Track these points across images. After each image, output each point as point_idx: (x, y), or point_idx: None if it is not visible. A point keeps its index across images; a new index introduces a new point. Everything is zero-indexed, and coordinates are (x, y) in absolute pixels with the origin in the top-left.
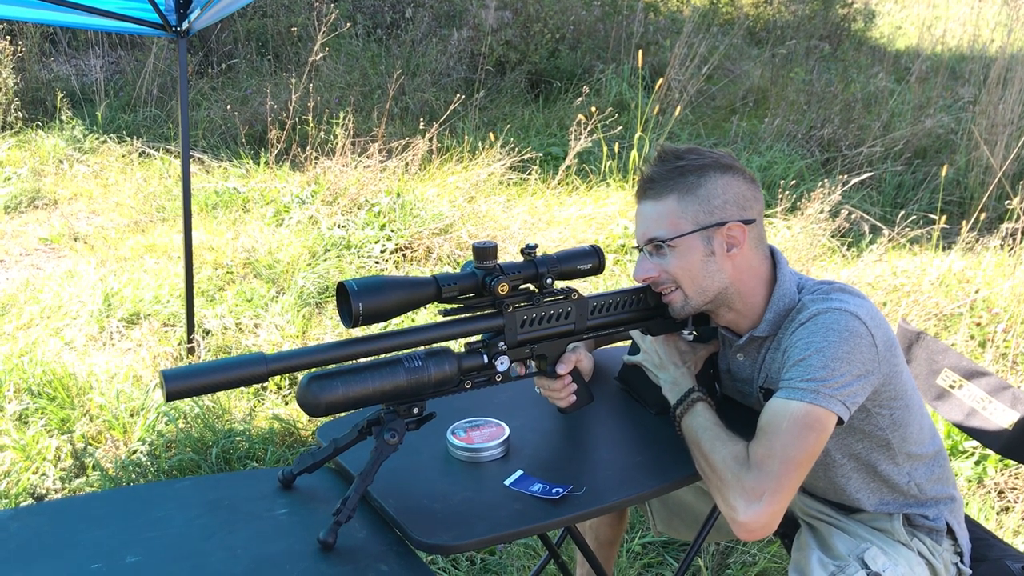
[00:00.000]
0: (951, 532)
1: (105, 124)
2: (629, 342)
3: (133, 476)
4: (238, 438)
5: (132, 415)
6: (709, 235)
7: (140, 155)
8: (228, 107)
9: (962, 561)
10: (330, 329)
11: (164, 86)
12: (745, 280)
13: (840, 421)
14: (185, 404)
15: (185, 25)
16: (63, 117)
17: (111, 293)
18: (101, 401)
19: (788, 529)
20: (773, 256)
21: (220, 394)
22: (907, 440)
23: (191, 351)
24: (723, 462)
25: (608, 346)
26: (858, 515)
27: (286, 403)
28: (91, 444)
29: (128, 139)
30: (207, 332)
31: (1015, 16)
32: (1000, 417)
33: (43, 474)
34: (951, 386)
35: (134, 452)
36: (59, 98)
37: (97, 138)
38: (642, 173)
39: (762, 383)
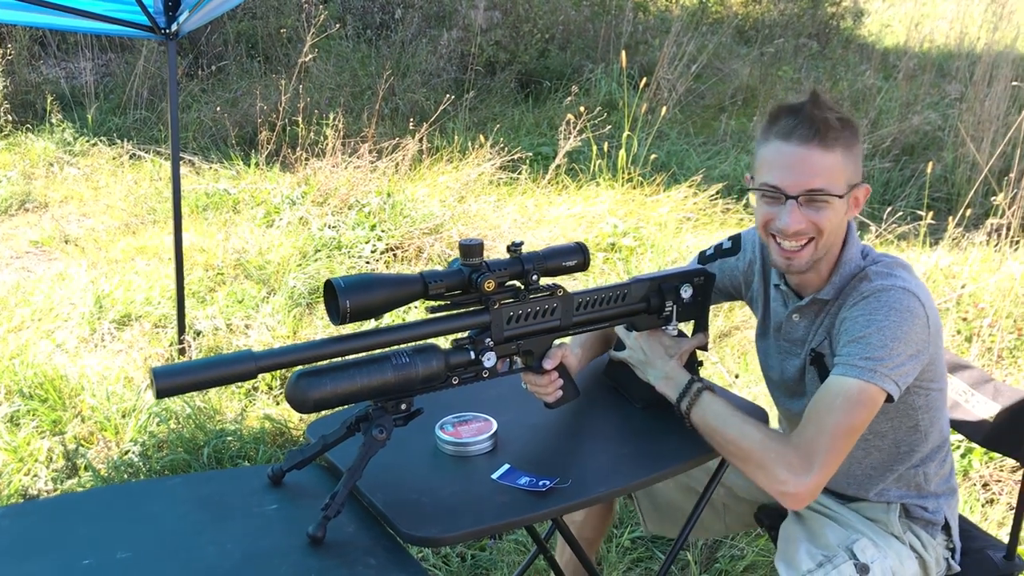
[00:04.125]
0: (947, 527)
1: (95, 126)
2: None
3: (125, 476)
4: (229, 438)
5: (124, 416)
6: (852, 195)
7: (130, 157)
8: (218, 109)
9: (953, 557)
10: (321, 329)
11: (154, 88)
12: (838, 240)
13: (890, 399)
14: (176, 404)
15: (174, 27)
16: (53, 120)
17: (102, 295)
18: (92, 402)
19: (775, 522)
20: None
21: (211, 394)
22: (933, 425)
23: (182, 352)
24: (760, 443)
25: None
26: (855, 504)
27: (277, 403)
28: (83, 445)
29: (118, 141)
30: (198, 333)
31: (1000, 14)
32: (982, 409)
33: (35, 475)
34: None
35: (126, 453)
36: (49, 101)
37: (87, 140)
38: (803, 114)
39: (816, 346)
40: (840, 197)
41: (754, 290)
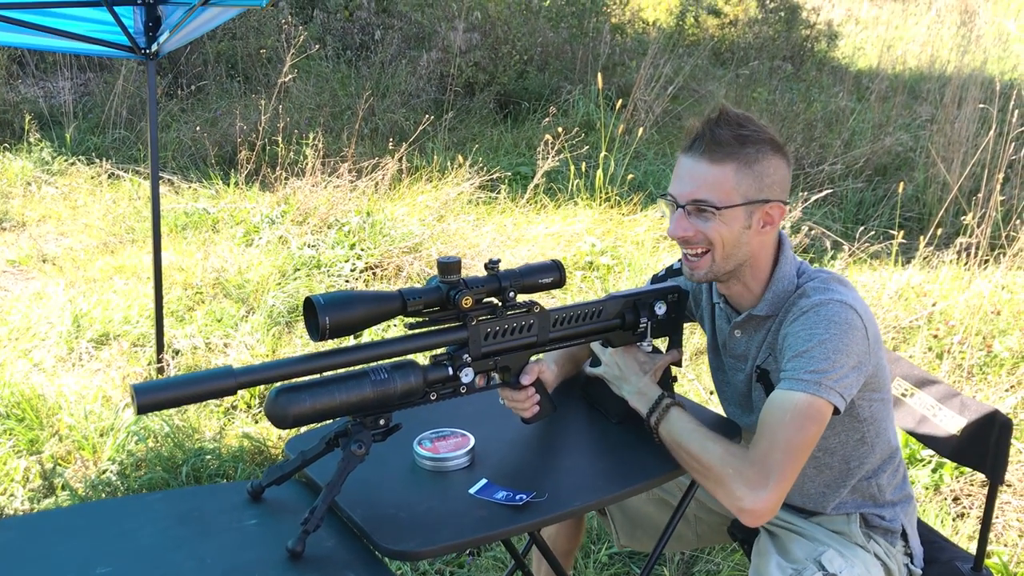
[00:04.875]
0: (904, 534)
1: (74, 146)
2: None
3: (103, 495)
4: (208, 456)
5: (101, 435)
6: (752, 210)
7: (109, 177)
8: (197, 128)
9: (912, 562)
10: (300, 348)
11: (133, 108)
12: (760, 257)
13: (836, 411)
14: (155, 423)
15: (154, 47)
16: (31, 139)
17: (80, 314)
18: (70, 421)
19: (748, 536)
20: (780, 238)
21: (190, 413)
22: (880, 435)
23: (160, 371)
24: (720, 459)
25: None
26: (816, 518)
27: (256, 421)
28: (60, 464)
29: (97, 161)
30: (177, 352)
31: (969, 38)
32: (949, 423)
33: (11, 495)
34: (903, 394)
35: (104, 472)
36: (27, 120)
37: (66, 160)
38: (699, 130)
39: (761, 363)
40: (719, 210)
41: (702, 308)
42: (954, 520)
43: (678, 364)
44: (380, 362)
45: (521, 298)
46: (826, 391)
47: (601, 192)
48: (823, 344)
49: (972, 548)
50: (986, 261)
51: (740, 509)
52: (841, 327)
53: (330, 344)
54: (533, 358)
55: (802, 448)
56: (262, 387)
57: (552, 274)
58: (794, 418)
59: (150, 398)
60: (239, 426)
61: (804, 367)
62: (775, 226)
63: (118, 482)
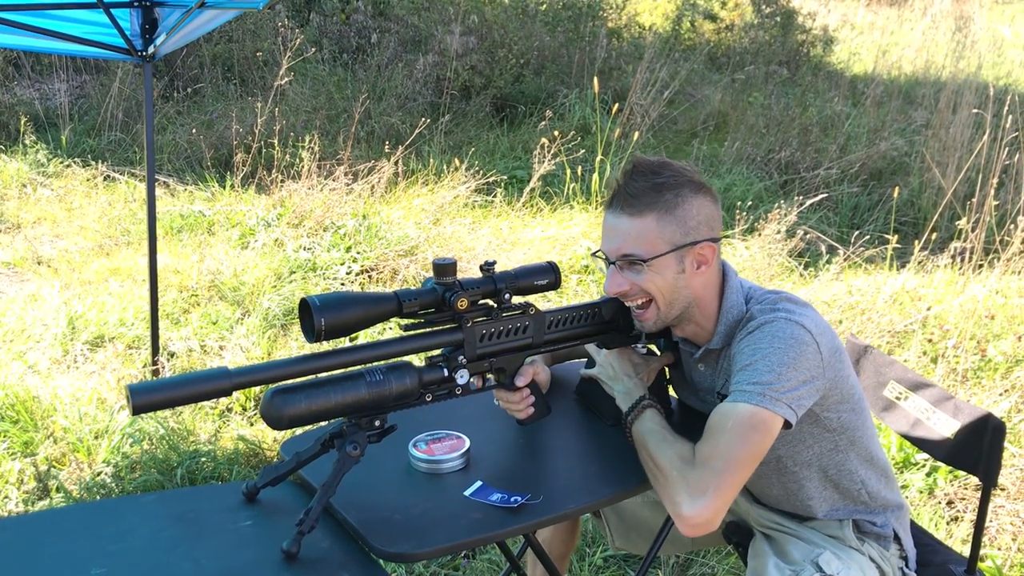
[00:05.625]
0: (897, 538)
1: (69, 148)
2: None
3: (97, 497)
4: (203, 458)
5: (96, 437)
6: (683, 254)
7: (105, 179)
8: (193, 131)
9: (907, 565)
10: (295, 350)
11: (129, 110)
12: (705, 296)
13: (788, 424)
14: (150, 425)
15: (151, 50)
16: (27, 141)
17: (75, 316)
18: (65, 423)
19: (743, 539)
20: (723, 269)
21: (185, 415)
22: (855, 443)
23: (156, 373)
24: (668, 461)
25: (568, 361)
26: (810, 522)
27: (251, 423)
28: (55, 466)
29: (93, 163)
30: (172, 354)
31: (964, 44)
32: (943, 427)
33: (6, 497)
34: (897, 398)
35: (98, 474)
36: (23, 122)
37: (61, 162)
38: (616, 185)
39: (720, 389)
40: (647, 261)
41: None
42: (948, 523)
43: (672, 367)
44: (376, 363)
45: (517, 300)
46: (771, 402)
47: (597, 196)
48: (767, 357)
49: (966, 551)
50: (980, 265)
51: (678, 515)
52: (786, 341)
53: (326, 346)
54: (528, 360)
55: (745, 459)
56: (258, 389)
57: (547, 276)
58: (735, 427)
59: (145, 399)
60: (234, 428)
61: (748, 379)
62: (710, 265)
63: (113, 484)
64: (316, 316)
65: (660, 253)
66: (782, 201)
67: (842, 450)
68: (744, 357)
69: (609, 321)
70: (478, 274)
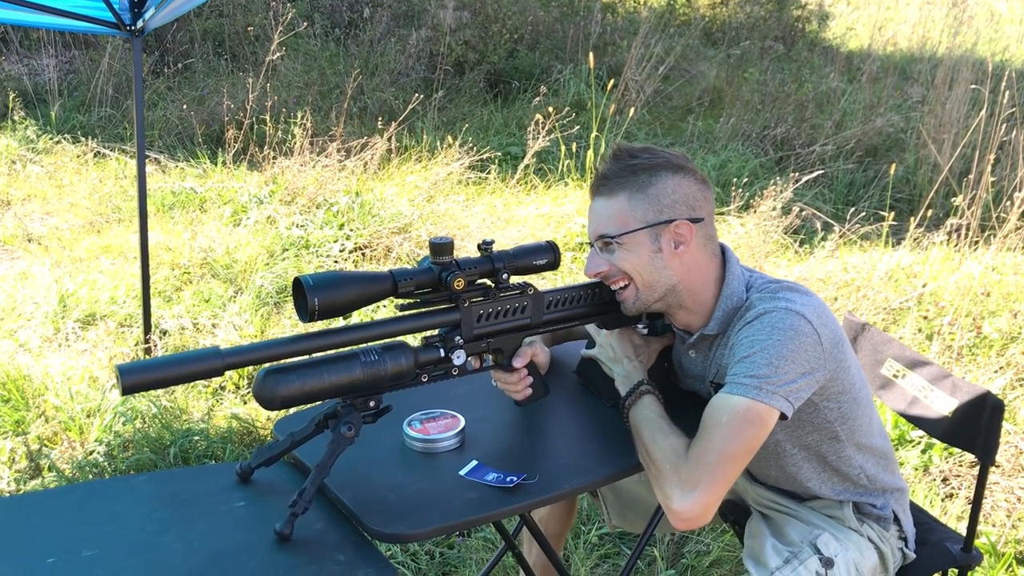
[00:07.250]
0: (897, 520)
1: (59, 124)
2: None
3: (90, 476)
4: (196, 437)
5: (88, 416)
6: (657, 232)
7: (95, 155)
8: (184, 107)
9: (907, 546)
10: (289, 328)
11: (119, 86)
12: (694, 278)
13: (784, 417)
14: (142, 404)
15: (140, 24)
16: (15, 117)
17: (66, 294)
18: (56, 402)
19: (739, 517)
20: (724, 255)
21: (178, 393)
22: (855, 432)
23: (148, 351)
24: (662, 452)
25: (569, 342)
26: (811, 502)
27: (244, 402)
28: (46, 445)
29: (83, 139)
30: (164, 332)
31: (961, 19)
32: (940, 405)
33: None
34: (895, 375)
35: (91, 453)
36: (11, 98)
37: (51, 138)
38: (597, 170)
39: (712, 378)
40: (616, 237)
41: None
42: (943, 501)
43: (673, 348)
44: (371, 344)
45: (515, 280)
46: (767, 396)
47: (592, 172)
48: (765, 350)
49: (961, 528)
50: (976, 242)
51: (668, 509)
52: (786, 333)
53: (320, 325)
54: (527, 340)
55: (738, 453)
56: (251, 367)
57: (546, 255)
58: (731, 420)
59: (135, 379)
60: (227, 407)
61: (745, 371)
62: (689, 244)
63: (105, 463)
64: (309, 296)
65: (630, 230)
66: (777, 178)
67: (841, 438)
68: (742, 348)
69: (609, 301)
70: (473, 253)
